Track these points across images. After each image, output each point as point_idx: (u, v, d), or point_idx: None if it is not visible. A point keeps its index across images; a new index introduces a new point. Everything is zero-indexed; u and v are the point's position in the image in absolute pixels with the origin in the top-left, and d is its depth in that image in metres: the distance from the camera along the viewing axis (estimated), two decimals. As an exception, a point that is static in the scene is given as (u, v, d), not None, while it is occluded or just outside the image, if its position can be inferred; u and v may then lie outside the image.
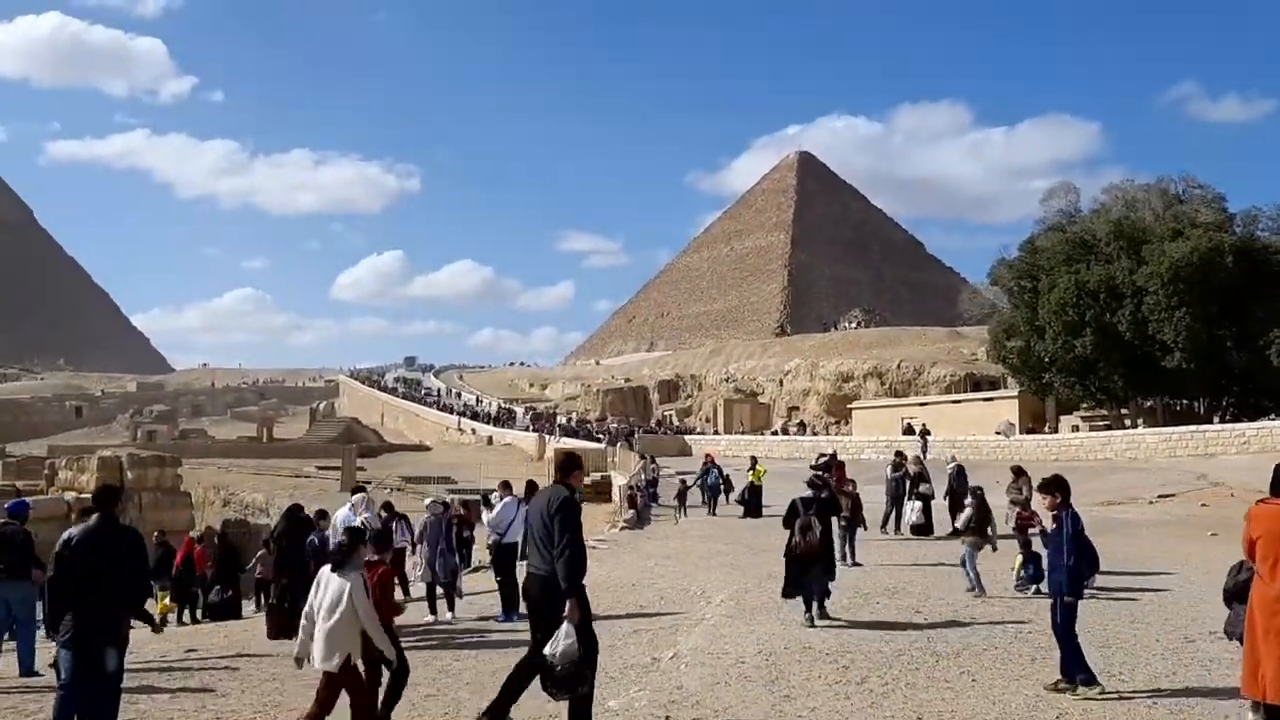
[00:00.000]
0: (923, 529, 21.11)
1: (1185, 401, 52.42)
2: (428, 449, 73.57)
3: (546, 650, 6.50)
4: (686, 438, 67.32)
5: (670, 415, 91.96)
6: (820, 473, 14.14)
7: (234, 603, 18.94)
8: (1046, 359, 50.15)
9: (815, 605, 11.47)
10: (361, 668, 6.94)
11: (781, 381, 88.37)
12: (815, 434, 66.06)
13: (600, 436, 64.42)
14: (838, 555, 13.98)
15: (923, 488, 21.69)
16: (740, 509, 27.55)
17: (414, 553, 15.92)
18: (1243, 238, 48.25)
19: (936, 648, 9.75)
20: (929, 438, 45.29)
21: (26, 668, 10.31)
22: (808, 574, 11.48)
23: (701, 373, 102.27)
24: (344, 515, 12.59)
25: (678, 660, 9.46)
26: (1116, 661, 9.00)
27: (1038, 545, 11.94)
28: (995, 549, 14.17)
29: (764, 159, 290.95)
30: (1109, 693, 7.87)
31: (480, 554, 18.35)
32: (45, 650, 9.32)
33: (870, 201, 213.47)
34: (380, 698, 7.20)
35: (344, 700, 6.87)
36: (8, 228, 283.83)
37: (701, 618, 11.85)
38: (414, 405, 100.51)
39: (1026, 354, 51.94)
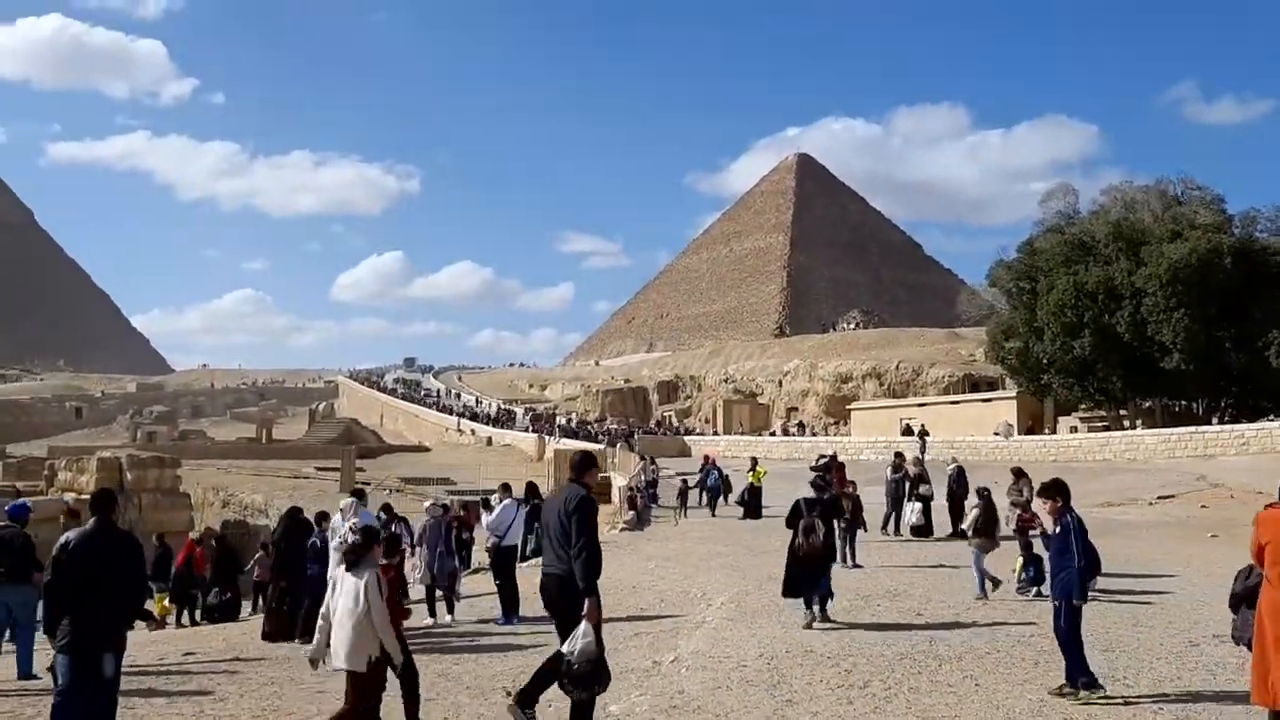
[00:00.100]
0: (923, 530, 21.09)
1: (1184, 402, 52.40)
2: (427, 450, 73.52)
3: (564, 648, 6.53)
4: (686, 438, 67.25)
5: (670, 416, 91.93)
6: (821, 474, 14.13)
7: (233, 605, 18.91)
8: (1045, 360, 50.11)
9: (817, 607, 11.45)
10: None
11: (780, 382, 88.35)
12: (814, 435, 66.01)
13: (600, 437, 64.33)
14: (838, 557, 13.96)
15: (922, 489, 21.66)
16: (740, 510, 27.50)
17: (413, 555, 15.89)
18: (1241, 239, 48.23)
19: (939, 651, 9.70)
20: (928, 438, 45.24)
21: (25, 671, 10.27)
22: (810, 575, 11.46)
23: (701, 373, 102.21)
24: (339, 518, 12.55)
25: (679, 664, 9.41)
26: (1120, 665, 8.95)
27: (1039, 547, 11.92)
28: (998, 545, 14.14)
29: (763, 161, 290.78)
30: (1113, 697, 7.82)
31: (480, 556, 18.31)
32: (45, 653, 9.27)
33: (869, 203, 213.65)
34: (404, 708, 7.20)
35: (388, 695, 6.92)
36: (8, 229, 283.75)
37: (702, 620, 11.81)
38: (413, 406, 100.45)
39: (1025, 355, 51.90)
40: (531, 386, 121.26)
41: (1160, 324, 45.40)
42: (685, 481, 31.24)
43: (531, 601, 13.82)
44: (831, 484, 14.21)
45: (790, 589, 11.64)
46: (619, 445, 54.61)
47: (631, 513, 28.09)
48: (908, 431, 50.45)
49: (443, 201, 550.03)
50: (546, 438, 62.83)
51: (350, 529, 11.60)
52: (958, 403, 62.81)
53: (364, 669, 6.75)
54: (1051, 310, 48.32)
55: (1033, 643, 9.98)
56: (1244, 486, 29.61)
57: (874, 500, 21.52)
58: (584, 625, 6.53)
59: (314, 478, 53.71)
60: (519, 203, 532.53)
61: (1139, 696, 7.90)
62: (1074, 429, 53.04)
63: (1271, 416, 45.61)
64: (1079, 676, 7.84)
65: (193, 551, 21.00)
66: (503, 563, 13.54)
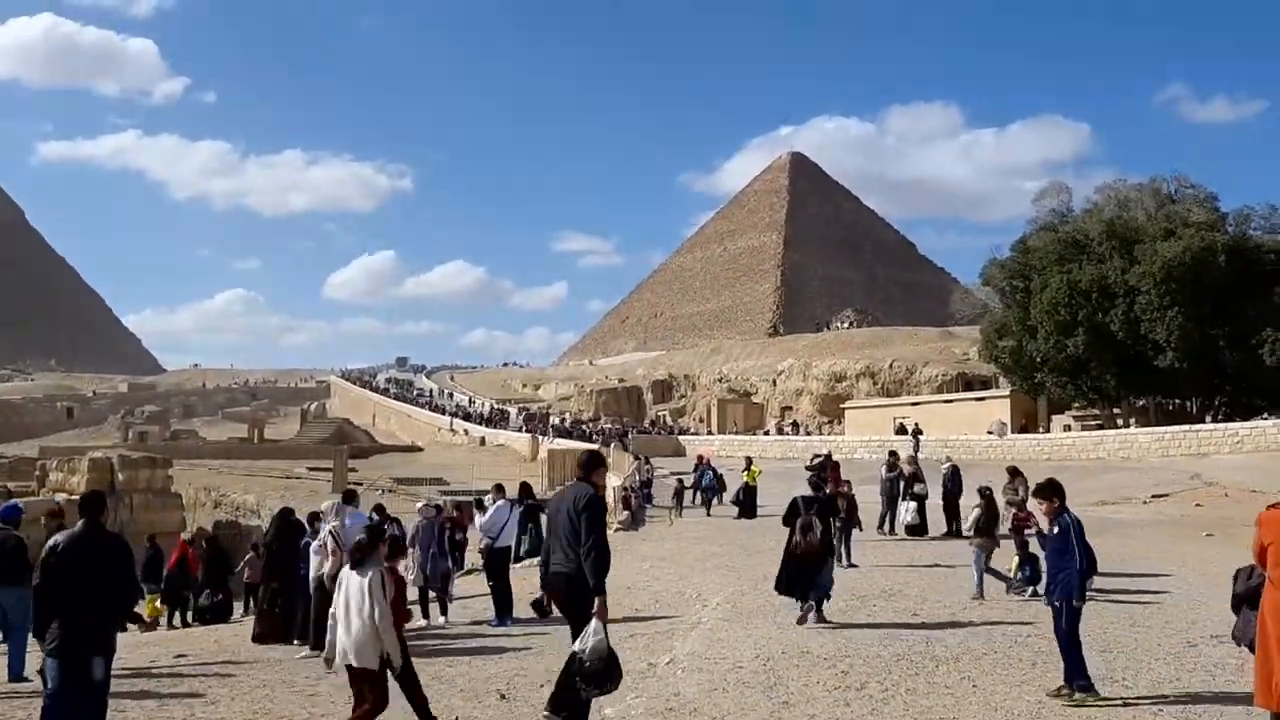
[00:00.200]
0: (917, 529, 21.06)
1: (1178, 401, 52.44)
2: (420, 450, 73.42)
3: (576, 646, 6.54)
4: (680, 438, 67.22)
5: (664, 415, 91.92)
6: (817, 473, 14.09)
7: (224, 606, 18.82)
8: (1038, 358, 50.14)
9: (812, 606, 11.42)
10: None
11: (775, 381, 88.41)
12: (809, 434, 66.00)
13: (594, 437, 64.26)
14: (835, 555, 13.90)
15: (917, 488, 21.63)
16: (735, 510, 27.43)
17: (405, 556, 15.76)
18: (1235, 237, 48.29)
19: (935, 651, 9.63)
20: (921, 437, 45.22)
21: (15, 673, 10.19)
22: (807, 573, 11.43)
23: (695, 373, 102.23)
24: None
25: (674, 665, 9.34)
26: (1119, 666, 8.89)
27: (1034, 547, 11.86)
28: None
29: (757, 160, 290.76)
30: (1112, 699, 7.77)
31: (473, 557, 18.22)
32: (37, 655, 9.18)
33: (862, 202, 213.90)
34: (414, 709, 7.15)
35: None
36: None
37: (698, 621, 11.74)
38: (406, 406, 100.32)
39: (1018, 353, 51.92)
40: (525, 386, 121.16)
41: (1154, 322, 45.44)
42: (681, 481, 31.18)
43: (525, 603, 13.77)
44: (827, 483, 14.18)
45: (787, 587, 11.60)
46: (613, 445, 54.52)
47: (626, 513, 28.01)
48: (901, 430, 50.44)
49: (435, 200, 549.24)
50: (540, 438, 62.74)
51: (330, 531, 11.56)
52: (951, 401, 62.89)
53: (375, 666, 6.75)
54: (1045, 309, 48.35)
55: (1030, 643, 9.93)
56: (1238, 485, 29.64)
57: (869, 499, 21.49)
58: (594, 623, 6.54)
59: (306, 478, 53.58)
60: (512, 201, 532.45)
61: (1138, 698, 7.84)
62: (1068, 427, 53.11)
63: (1265, 415, 45.69)
64: (1075, 679, 7.78)
65: (185, 552, 20.93)
66: (496, 564, 13.48)
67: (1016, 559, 13.57)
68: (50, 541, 7.14)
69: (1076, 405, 55.39)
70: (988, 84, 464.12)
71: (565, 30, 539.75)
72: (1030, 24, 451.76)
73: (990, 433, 48.56)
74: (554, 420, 76.75)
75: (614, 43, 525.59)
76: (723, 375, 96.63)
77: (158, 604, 20.79)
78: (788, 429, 69.97)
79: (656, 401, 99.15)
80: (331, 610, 7.05)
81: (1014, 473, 18.27)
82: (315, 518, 13.63)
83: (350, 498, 13.23)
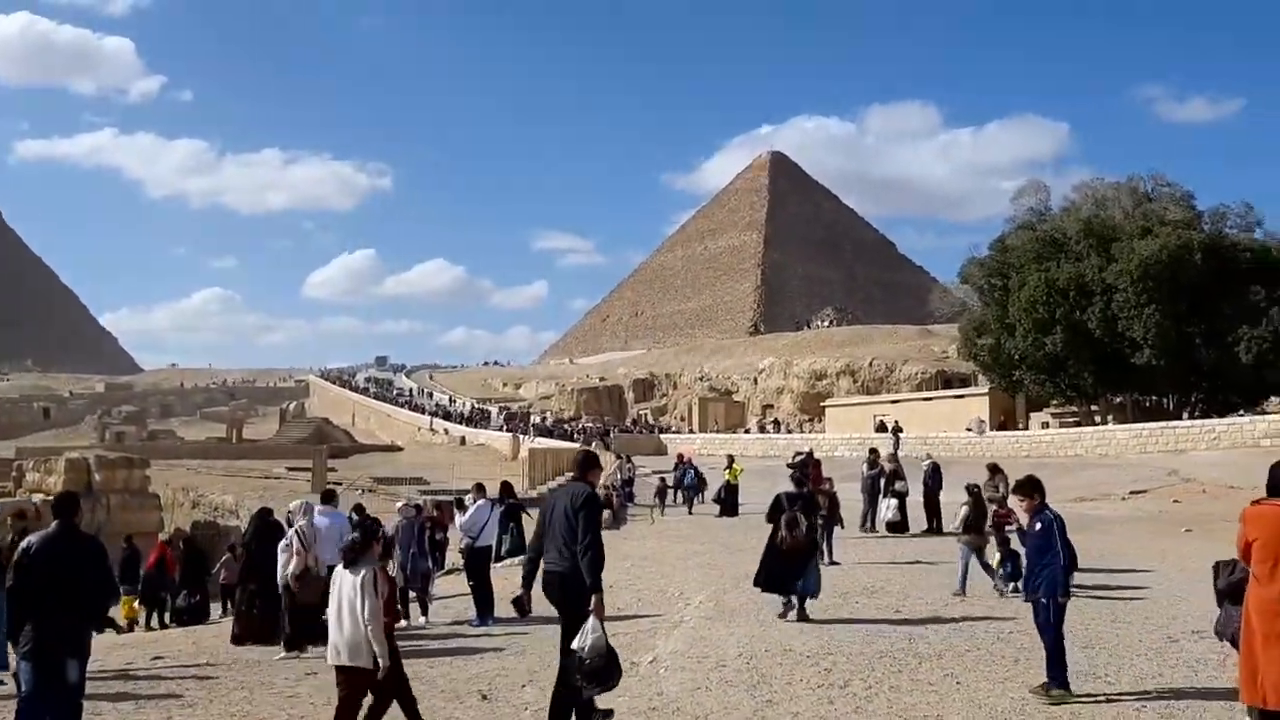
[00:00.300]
0: (898, 526, 21.08)
1: (1154, 398, 52.75)
2: (400, 449, 73.12)
3: (575, 644, 6.56)
4: (662, 437, 67.23)
5: (645, 414, 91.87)
6: (799, 470, 14.09)
7: (201, 607, 18.65)
8: (1017, 356, 50.34)
9: (795, 602, 11.45)
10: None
11: (756, 380, 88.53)
12: (789, 432, 66.12)
13: (575, 436, 64.17)
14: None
15: (898, 485, 21.64)
16: (717, 508, 27.42)
17: (393, 556, 15.66)
18: (1211, 235, 48.59)
19: (919, 649, 9.63)
20: (901, 435, 45.38)
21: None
22: (792, 569, 11.44)
23: (676, 371, 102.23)
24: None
25: (657, 664, 9.30)
26: (1101, 662, 8.90)
27: (1016, 543, 11.88)
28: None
29: (737, 159, 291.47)
30: (1095, 695, 7.77)
31: (453, 557, 18.11)
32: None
33: (842, 201, 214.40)
34: (403, 710, 7.10)
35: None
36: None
37: (680, 620, 11.70)
38: (385, 405, 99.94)
39: (997, 351, 52.11)
40: (505, 385, 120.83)
41: (1131, 320, 45.69)
42: (664, 480, 31.17)
43: (506, 603, 13.70)
44: (808, 480, 14.18)
45: (771, 584, 11.62)
46: (595, 444, 54.47)
47: (608, 512, 27.93)
48: (881, 428, 50.61)
49: (415, 199, 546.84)
50: (521, 437, 62.59)
51: (296, 531, 11.47)
52: (931, 399, 63.15)
53: (370, 666, 6.71)
54: (1023, 307, 48.54)
55: (1012, 640, 9.93)
56: (1215, 481, 29.86)
57: (850, 497, 21.50)
58: (592, 620, 6.57)
59: (285, 478, 53.24)
60: (492, 200, 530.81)
61: (1120, 694, 7.84)
62: (1046, 425, 53.38)
63: (1241, 411, 46.07)
64: (1053, 675, 7.75)
65: (164, 553, 20.72)
66: (477, 563, 13.40)
67: (998, 555, 13.59)
68: (24, 543, 7.05)
69: (1055, 402, 55.66)
70: (966, 83, 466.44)
71: (547, 29, 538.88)
72: (1008, 24, 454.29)
73: (969, 430, 48.77)
74: (535, 419, 76.60)
75: (595, 42, 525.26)
76: (704, 374, 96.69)
77: (135, 605, 20.61)
78: (769, 427, 70.08)
79: (638, 400, 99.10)
80: (329, 611, 7.02)
81: (994, 470, 18.31)
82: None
83: (329, 497, 13.13)
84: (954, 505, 21.77)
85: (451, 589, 15.95)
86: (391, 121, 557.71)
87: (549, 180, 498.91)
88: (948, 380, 71.08)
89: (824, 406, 71.31)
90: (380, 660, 6.70)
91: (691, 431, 72.65)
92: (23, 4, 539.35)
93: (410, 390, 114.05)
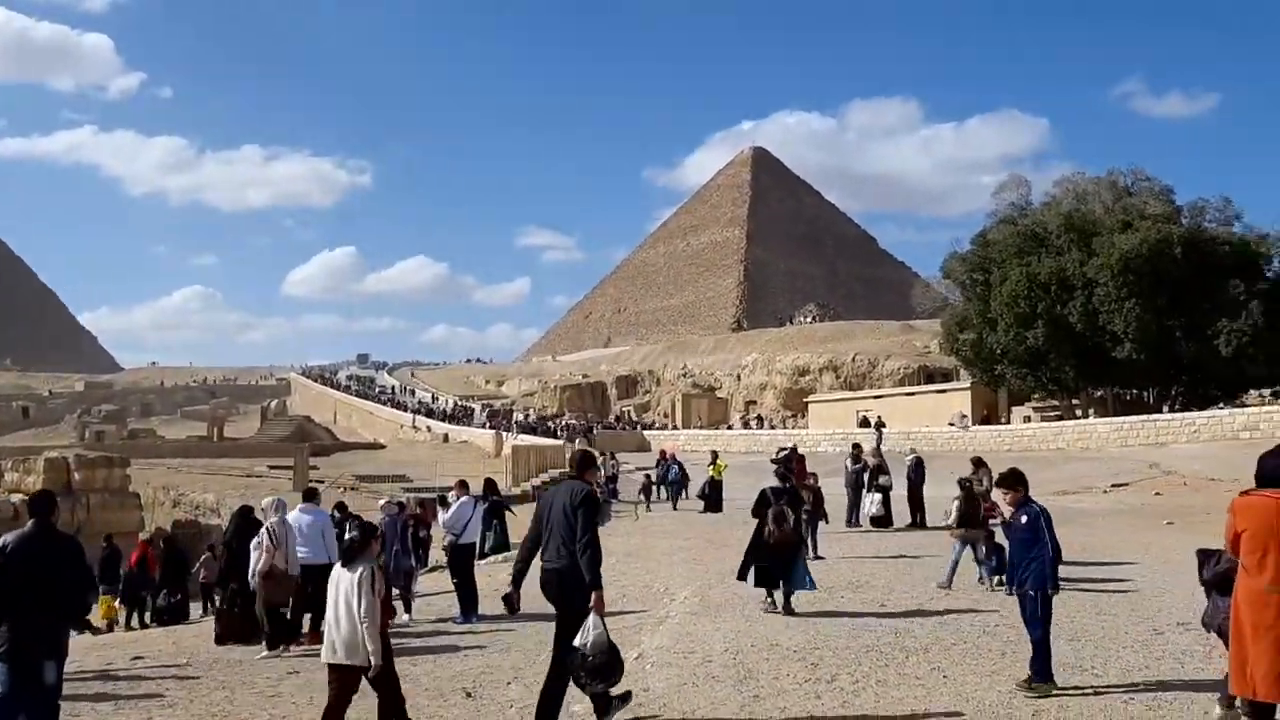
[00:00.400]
0: (882, 521, 21.09)
1: (1135, 391, 53.06)
2: (382, 447, 72.84)
3: (577, 641, 6.65)
4: (645, 433, 67.20)
5: (628, 411, 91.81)
6: (783, 465, 14.07)
7: (181, 607, 18.51)
8: (999, 351, 50.52)
9: (782, 597, 11.46)
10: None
11: (739, 376, 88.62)
12: (773, 428, 66.21)
13: (559, 433, 64.06)
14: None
15: (882, 479, 21.64)
16: (701, 504, 27.40)
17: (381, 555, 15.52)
18: (1190, 229, 48.87)
19: (905, 643, 9.60)
20: (884, 430, 45.49)
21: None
22: (779, 563, 11.45)
23: (659, 368, 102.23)
24: (293, 519, 12.23)
25: (643, 661, 9.23)
26: (1087, 655, 8.89)
27: (1000, 537, 11.87)
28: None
29: (718, 154, 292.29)
30: (1083, 687, 7.75)
31: (437, 554, 18.03)
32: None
33: (824, 197, 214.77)
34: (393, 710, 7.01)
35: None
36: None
37: (666, 615, 11.65)
38: (367, 403, 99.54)
39: (979, 346, 52.30)
40: (488, 382, 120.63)
41: (1112, 314, 45.93)
42: (649, 476, 31.15)
43: (491, 600, 13.61)
44: (793, 475, 14.17)
45: (759, 578, 11.64)
46: (578, 440, 54.40)
47: (592, 508, 27.85)
48: (864, 423, 50.71)
49: (396, 196, 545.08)
50: (504, 434, 62.44)
51: (267, 528, 11.37)
52: (913, 394, 63.38)
53: (366, 663, 6.67)
54: (1005, 301, 48.72)
55: (998, 633, 9.92)
56: (1196, 474, 30.05)
57: (834, 492, 21.50)
58: (593, 617, 6.67)
59: (267, 476, 52.95)
60: (474, 197, 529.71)
61: (1108, 686, 7.81)
62: (1027, 419, 53.61)
63: (1221, 404, 46.33)
64: (1039, 669, 7.71)
65: (145, 552, 20.58)
66: (460, 560, 13.32)
67: (983, 549, 13.59)
68: (-1, 542, 6.93)
69: (1036, 396, 55.89)
70: (947, 79, 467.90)
71: (527, 26, 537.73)
72: (989, 20, 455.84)
73: (952, 425, 48.93)
74: (518, 417, 76.44)
75: (576, 37, 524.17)
76: (687, 370, 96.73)
77: (116, 604, 20.45)
78: (752, 423, 70.15)
79: (621, 397, 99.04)
80: (328, 609, 6.99)
81: (978, 463, 18.32)
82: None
83: (311, 495, 13.01)
84: (937, 499, 21.95)
85: (435, 586, 15.86)
86: (372, 118, 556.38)
87: (531, 177, 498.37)
88: (930, 375, 71.32)
89: (807, 402, 71.44)
90: (372, 659, 6.65)
91: (675, 428, 72.66)
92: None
93: (392, 388, 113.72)
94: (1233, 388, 49.12)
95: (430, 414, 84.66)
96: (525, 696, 8.21)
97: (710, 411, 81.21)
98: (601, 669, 6.63)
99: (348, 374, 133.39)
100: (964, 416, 51.13)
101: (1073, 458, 38.21)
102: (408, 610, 13.42)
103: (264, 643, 11.33)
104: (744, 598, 12.14)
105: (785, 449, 22.99)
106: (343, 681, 6.78)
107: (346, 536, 7.32)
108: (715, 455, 29.18)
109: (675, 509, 28.58)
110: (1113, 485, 29.99)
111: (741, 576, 11.90)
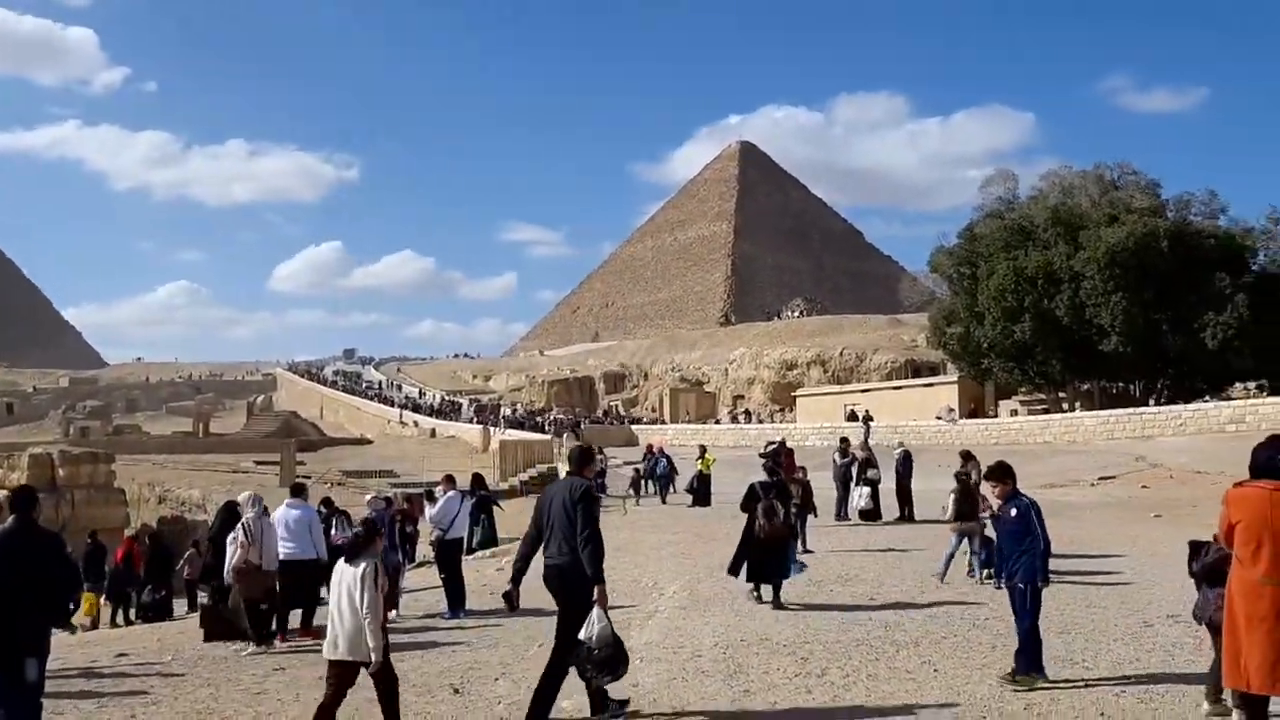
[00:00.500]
0: (871, 514, 21.07)
1: (1121, 384, 53.23)
2: (369, 442, 72.58)
3: (582, 635, 6.73)
4: (633, 428, 67.17)
5: (616, 406, 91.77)
6: (771, 459, 14.04)
7: (166, 603, 18.38)
8: (986, 344, 50.61)
9: (771, 591, 11.48)
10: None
11: (726, 370, 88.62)
12: (761, 422, 66.22)
13: (546, 428, 63.97)
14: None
15: (870, 473, 21.61)
16: (689, 498, 27.35)
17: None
18: (1176, 223, 49.00)
19: (895, 636, 9.58)
20: (872, 424, 45.50)
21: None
22: (771, 558, 11.43)
23: (647, 363, 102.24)
24: (280, 514, 12.15)
25: (632, 656, 9.15)
26: (1078, 648, 8.87)
27: (990, 530, 11.85)
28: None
29: (706, 149, 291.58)
30: (1073, 680, 7.72)
31: (424, 549, 17.94)
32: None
33: (810, 191, 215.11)
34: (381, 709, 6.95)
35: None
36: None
37: (655, 610, 11.60)
38: (354, 398, 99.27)
39: (966, 340, 52.38)
40: (475, 377, 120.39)
41: (1098, 307, 46.04)
42: (638, 470, 31.11)
43: (478, 595, 13.54)
44: (780, 468, 14.14)
45: (751, 573, 11.62)
46: (565, 435, 54.29)
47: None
48: (852, 417, 50.68)
49: (382, 190, 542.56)
50: (492, 429, 62.31)
51: (243, 523, 11.27)
52: (900, 388, 63.46)
53: (367, 659, 6.63)
54: (992, 295, 48.80)
55: (988, 626, 9.90)
56: (1183, 467, 30.12)
57: (822, 485, 21.45)
58: (596, 611, 6.76)
59: (253, 472, 52.74)
60: (460, 192, 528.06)
61: (1099, 679, 7.79)
62: (1014, 412, 53.76)
63: (1207, 397, 46.56)
64: (1026, 660, 7.67)
65: (131, 548, 20.44)
66: (448, 556, 13.24)
67: (976, 541, 13.57)
68: (-20, 538, 6.82)
69: (1023, 390, 56.03)
70: (933, 74, 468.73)
71: (513, 20, 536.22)
72: (975, 15, 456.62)
73: (939, 418, 49.01)
74: (505, 411, 76.30)
75: (563, 33, 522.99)
76: (675, 364, 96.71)
77: (101, 601, 20.31)
78: (740, 417, 70.16)
79: (609, 392, 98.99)
80: (330, 606, 6.98)
81: (966, 456, 18.27)
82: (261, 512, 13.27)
83: (299, 491, 12.92)
84: (925, 493, 21.97)
85: (422, 582, 15.77)
86: (358, 113, 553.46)
87: (517, 171, 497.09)
88: (917, 369, 71.43)
89: (795, 396, 71.49)
90: (374, 655, 6.60)
91: (663, 422, 72.65)
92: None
93: (379, 383, 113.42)
94: (1218, 381, 49.32)
95: (417, 409, 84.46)
96: (513, 692, 8.16)
97: (698, 406, 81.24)
98: (607, 662, 6.72)
99: (334, 369, 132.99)
100: (951, 410, 51.23)
101: (1059, 451, 38.30)
102: (395, 606, 13.33)
103: (250, 640, 11.24)
104: (733, 592, 12.10)
105: (774, 443, 22.98)
106: (341, 677, 6.74)
107: (351, 531, 7.27)
108: (703, 449, 29.15)
109: (664, 503, 28.53)
110: (1099, 478, 30.05)
111: (733, 572, 11.87)
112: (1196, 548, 7.22)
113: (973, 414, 52.60)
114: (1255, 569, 5.41)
